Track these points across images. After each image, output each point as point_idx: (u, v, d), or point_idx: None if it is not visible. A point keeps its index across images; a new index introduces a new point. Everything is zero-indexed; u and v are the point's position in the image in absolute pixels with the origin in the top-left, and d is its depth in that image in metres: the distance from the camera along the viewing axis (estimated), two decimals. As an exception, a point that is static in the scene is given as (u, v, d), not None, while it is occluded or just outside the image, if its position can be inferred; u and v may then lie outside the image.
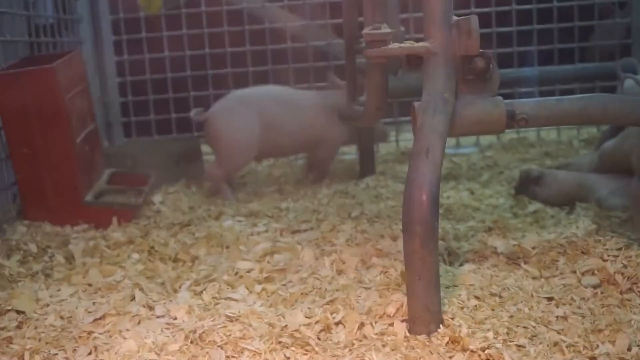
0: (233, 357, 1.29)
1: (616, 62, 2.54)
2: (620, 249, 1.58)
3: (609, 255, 1.56)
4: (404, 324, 1.32)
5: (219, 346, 1.31)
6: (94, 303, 1.56)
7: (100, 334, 1.39)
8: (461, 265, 1.64)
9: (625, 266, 1.50)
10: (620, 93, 2.15)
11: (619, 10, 3.32)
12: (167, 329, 1.40)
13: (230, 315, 1.43)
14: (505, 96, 1.48)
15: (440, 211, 2.15)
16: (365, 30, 1.49)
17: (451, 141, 3.20)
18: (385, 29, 1.48)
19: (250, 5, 3.24)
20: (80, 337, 1.39)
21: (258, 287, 1.60)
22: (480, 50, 1.43)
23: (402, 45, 1.46)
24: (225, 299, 1.55)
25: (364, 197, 2.39)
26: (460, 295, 1.43)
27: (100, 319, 1.46)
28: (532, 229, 1.88)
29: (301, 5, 3.23)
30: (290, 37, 3.24)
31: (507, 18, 3.17)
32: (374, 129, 2.62)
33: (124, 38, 3.19)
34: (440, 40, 1.41)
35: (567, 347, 1.25)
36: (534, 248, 1.69)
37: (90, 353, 1.33)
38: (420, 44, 1.43)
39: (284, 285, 1.61)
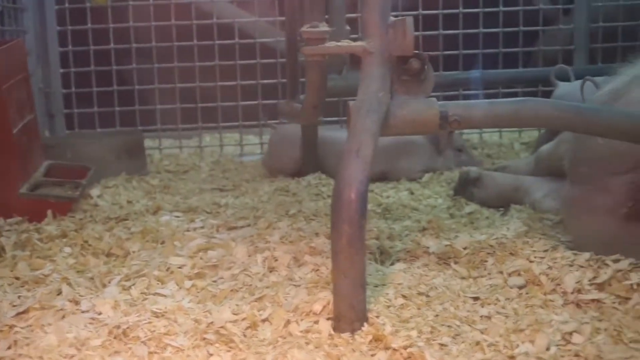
0: (156, 352, 1.27)
1: (551, 69, 2.59)
2: (546, 250, 1.61)
3: (535, 257, 1.59)
4: (329, 322, 1.32)
5: (142, 342, 1.30)
6: (19, 297, 1.53)
7: (21, 328, 1.37)
8: (392, 264, 1.64)
9: (550, 267, 1.53)
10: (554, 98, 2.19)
11: (563, 16, 3.38)
12: (90, 324, 1.38)
13: (157, 311, 1.41)
14: (451, 98, 1.49)
15: (379, 210, 2.17)
16: (303, 28, 1.49)
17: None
18: (323, 27, 1.48)
19: (199, 0, 3.22)
20: (1, 331, 1.36)
21: (188, 283, 1.58)
22: (416, 52, 1.44)
23: (339, 43, 1.46)
24: (154, 294, 1.53)
25: (304, 194, 2.39)
26: (387, 294, 1.44)
27: (23, 313, 1.43)
28: (465, 229, 1.90)
29: (250, 2, 3.22)
30: (239, 33, 3.22)
31: (454, 21, 3.20)
32: None
33: (68, 29, 3.14)
34: (377, 40, 1.41)
35: (488, 346, 1.27)
36: (465, 248, 1.70)
37: (9, 347, 1.30)
38: (357, 43, 1.44)
39: (214, 281, 1.60)
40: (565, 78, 2.34)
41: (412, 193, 2.42)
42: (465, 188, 2.21)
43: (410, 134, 1.50)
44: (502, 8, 3.19)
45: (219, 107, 3.24)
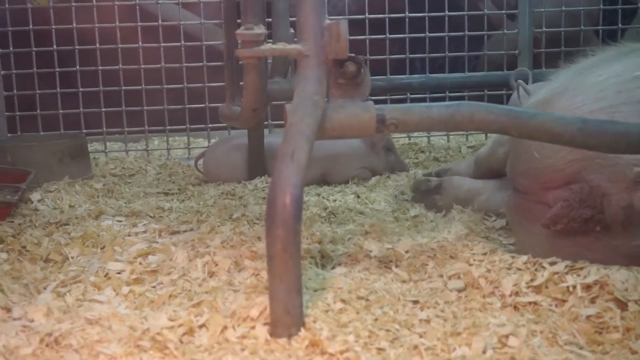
0: (88, 361, 1.25)
1: (511, 71, 2.62)
2: (485, 253, 1.62)
3: (474, 260, 1.60)
4: (266, 327, 1.31)
5: (74, 350, 1.27)
6: (-51, 305, 1.49)
7: (-51, 337, 1.32)
8: (333, 268, 1.64)
9: (489, 270, 1.54)
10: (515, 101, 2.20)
11: (510, 22, 3.42)
12: (22, 331, 1.34)
13: (91, 317, 1.38)
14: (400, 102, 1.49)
15: (324, 214, 2.16)
16: (239, 31, 1.47)
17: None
18: (259, 30, 1.46)
19: (144, 2, 3.18)
20: None
21: (126, 289, 1.56)
22: (352, 55, 1.43)
23: (274, 46, 1.45)
24: (90, 301, 1.50)
25: (250, 198, 2.38)
26: (326, 298, 1.43)
27: (-47, 321, 1.39)
28: (409, 233, 1.90)
29: (196, 3, 3.19)
30: (185, 35, 3.19)
31: (400, 25, 3.22)
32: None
33: (9, 30, 3.08)
34: (312, 43, 1.41)
35: (425, 349, 1.27)
36: (407, 252, 1.71)
37: None
38: (293, 46, 1.43)
39: (153, 287, 1.58)
40: (525, 80, 2.36)
41: (358, 197, 2.42)
42: (426, 195, 2.20)
43: (347, 137, 1.50)
44: (447, 13, 3.21)
45: (165, 111, 3.21)
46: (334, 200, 2.38)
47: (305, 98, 1.39)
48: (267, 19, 2.45)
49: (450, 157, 3.05)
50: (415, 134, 3.42)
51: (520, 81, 2.07)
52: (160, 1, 3.16)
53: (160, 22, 3.14)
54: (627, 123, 1.42)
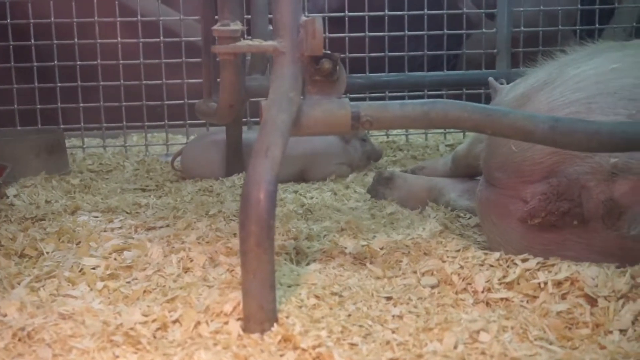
0: (61, 355, 1.25)
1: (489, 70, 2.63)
2: (458, 250, 1.63)
3: (448, 257, 1.61)
4: (239, 322, 1.31)
5: (47, 344, 1.27)
6: None
7: None
8: (308, 264, 1.65)
9: (462, 267, 1.55)
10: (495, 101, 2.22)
11: (489, 21, 3.44)
12: (-6, 326, 1.34)
13: (64, 312, 1.38)
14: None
15: (300, 211, 2.17)
16: (215, 27, 1.48)
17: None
18: (235, 26, 1.47)
19: (123, -3, 3.17)
20: None
21: (100, 284, 1.55)
22: (327, 52, 1.44)
23: (250, 42, 1.45)
24: (64, 295, 1.50)
25: (227, 195, 2.38)
26: (300, 294, 1.44)
27: None
28: (384, 229, 1.91)
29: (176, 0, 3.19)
30: (164, 30, 3.18)
31: (380, 23, 3.23)
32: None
33: (-13, 24, 3.07)
34: (288, 40, 1.41)
35: (397, 345, 1.28)
36: (382, 248, 1.72)
37: None
38: (269, 42, 1.43)
39: (127, 282, 1.58)
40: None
41: (335, 194, 2.43)
42: (377, 188, 2.24)
43: (323, 134, 1.51)
44: (426, 11, 3.23)
45: (143, 107, 3.20)
46: (311, 197, 2.38)
47: (281, 95, 1.40)
48: (246, 16, 2.47)
49: (428, 155, 3.06)
50: (394, 132, 3.43)
51: (491, 78, 2.08)
52: (139, -3, 3.16)
53: (139, 17, 3.13)
54: (598, 122, 1.44)
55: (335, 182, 2.61)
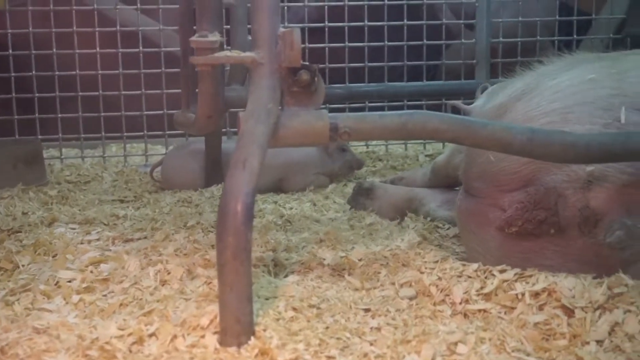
0: (35, 371, 1.23)
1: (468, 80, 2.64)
2: (437, 261, 1.63)
3: (426, 268, 1.61)
4: (216, 336, 1.30)
5: (20, 359, 1.25)
6: None
7: None
8: (286, 276, 1.64)
9: (440, 278, 1.55)
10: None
11: (468, 31, 3.46)
12: (-33, 341, 1.32)
13: (39, 327, 1.36)
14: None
15: (280, 222, 2.16)
16: (193, 38, 1.47)
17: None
18: (213, 37, 1.46)
19: (102, 7, 3.15)
20: None
21: (76, 298, 1.54)
22: (305, 63, 1.44)
23: (228, 54, 1.45)
24: (39, 309, 1.48)
25: (206, 206, 2.37)
26: (278, 306, 1.43)
27: None
28: (363, 241, 1.91)
29: (156, 9, 3.18)
30: (143, 41, 3.17)
31: (360, 33, 3.23)
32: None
33: (-36, 34, 3.04)
34: (266, 51, 1.41)
35: (375, 357, 1.27)
36: (360, 260, 1.71)
37: None
38: (247, 53, 1.43)
39: (104, 295, 1.56)
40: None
41: (314, 204, 2.42)
42: (357, 199, 2.24)
43: (301, 145, 1.50)
44: (406, 22, 3.24)
45: (122, 117, 3.18)
46: (291, 208, 2.38)
47: (259, 106, 1.39)
48: (226, 26, 2.47)
49: (408, 166, 3.07)
50: (373, 142, 3.44)
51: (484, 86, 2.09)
52: (118, 7, 3.14)
53: (118, 27, 3.12)
54: (575, 133, 1.45)
55: (315, 192, 2.60)
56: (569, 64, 1.76)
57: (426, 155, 3.22)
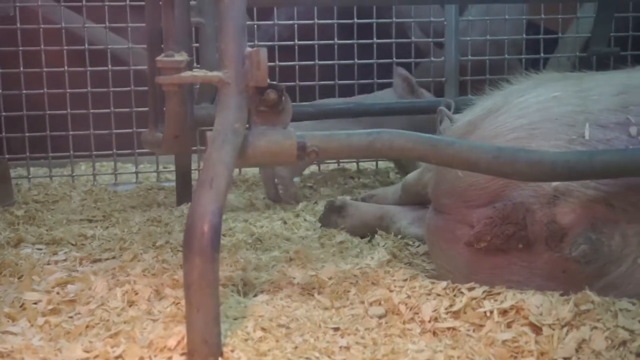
0: (-3, 396, 1.21)
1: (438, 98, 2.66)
2: (406, 279, 1.63)
3: (395, 286, 1.61)
4: (183, 357, 1.29)
5: (-17, 384, 1.23)
6: None
7: None
8: (255, 296, 1.63)
9: (409, 296, 1.55)
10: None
11: (438, 49, 3.49)
12: None
13: (2, 350, 1.34)
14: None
15: (250, 241, 2.15)
16: (159, 58, 1.47)
17: (274, 170, 3.23)
18: (179, 57, 1.46)
19: (71, 26, 3.14)
20: None
21: (41, 320, 1.51)
22: (272, 83, 1.44)
23: (194, 73, 1.44)
24: (3, 332, 1.46)
25: (176, 225, 2.35)
26: (246, 327, 1.42)
27: None
28: (333, 259, 1.90)
29: (124, 28, 3.17)
30: (112, 59, 3.16)
31: (330, 51, 3.25)
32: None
33: None
34: (233, 70, 1.41)
35: (344, 377, 1.27)
36: (330, 278, 1.71)
37: None
38: (214, 73, 1.43)
39: (70, 317, 1.54)
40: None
41: (285, 222, 2.42)
42: (329, 217, 2.24)
43: (269, 164, 1.50)
44: (375, 40, 3.26)
45: (91, 135, 3.16)
46: (261, 227, 2.37)
47: (226, 125, 1.39)
48: (196, 44, 2.47)
49: (379, 183, 3.08)
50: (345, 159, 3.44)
51: (442, 108, 2.11)
52: (87, 25, 3.12)
53: (86, 45, 3.10)
54: (540, 151, 1.46)
55: (286, 210, 2.60)
56: (535, 82, 1.79)
57: (396, 173, 3.23)
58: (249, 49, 1.43)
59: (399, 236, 2.10)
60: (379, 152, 1.48)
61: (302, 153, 1.46)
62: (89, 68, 3.10)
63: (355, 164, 3.36)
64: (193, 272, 1.25)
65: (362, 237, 2.16)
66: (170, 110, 1.70)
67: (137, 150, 3.21)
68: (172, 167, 2.94)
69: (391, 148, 1.47)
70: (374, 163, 3.40)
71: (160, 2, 1.55)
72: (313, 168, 3.33)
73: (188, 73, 1.45)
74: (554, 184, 1.49)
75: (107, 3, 3.12)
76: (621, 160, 1.40)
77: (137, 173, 3.24)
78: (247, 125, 1.45)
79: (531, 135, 1.56)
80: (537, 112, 1.60)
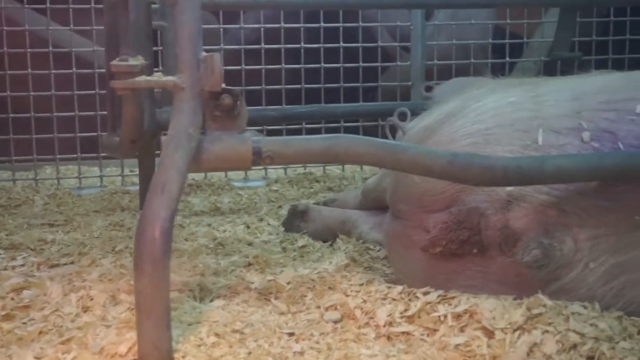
0: (-57, 404, 1.19)
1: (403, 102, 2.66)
2: (362, 284, 1.64)
3: (352, 291, 1.61)
4: (134, 363, 1.28)
5: None
6: None
7: None
8: (211, 301, 1.62)
9: (365, 301, 1.55)
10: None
11: (406, 54, 3.50)
12: None
13: (-49, 357, 1.33)
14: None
15: (212, 245, 2.14)
16: (113, 62, 1.46)
17: (240, 174, 3.23)
18: (134, 61, 1.45)
19: (35, 28, 3.11)
20: None
21: (-7, 326, 1.50)
22: (227, 88, 1.44)
23: (148, 78, 1.44)
24: (-46, 339, 1.44)
25: (138, 229, 2.33)
26: (200, 332, 1.42)
27: None
28: (293, 264, 1.90)
29: (89, 30, 3.14)
30: (77, 61, 3.13)
31: (297, 56, 3.25)
32: None
33: None
34: (188, 75, 1.40)
35: (295, 382, 1.27)
36: (288, 283, 1.71)
37: None
38: (168, 78, 1.42)
39: (23, 323, 1.52)
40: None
41: (248, 227, 2.41)
42: (292, 222, 2.24)
43: (225, 170, 1.50)
44: (342, 44, 3.27)
45: (55, 139, 3.13)
46: (224, 231, 2.36)
47: (180, 130, 1.38)
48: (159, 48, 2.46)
49: (345, 187, 3.08)
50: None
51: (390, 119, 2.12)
52: (51, 27, 3.10)
53: (50, 48, 3.08)
54: (493, 157, 1.47)
55: (250, 214, 2.59)
56: (493, 88, 1.80)
57: (363, 177, 3.24)
58: (204, 54, 1.42)
59: (361, 241, 2.11)
60: (337, 157, 1.48)
61: (258, 158, 1.46)
62: (53, 71, 3.07)
63: (321, 167, 3.36)
64: (143, 278, 1.24)
65: (324, 242, 2.16)
66: (126, 115, 1.69)
67: (103, 154, 3.19)
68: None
69: (348, 153, 1.47)
70: (341, 167, 3.40)
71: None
72: (280, 172, 3.33)
73: (142, 77, 1.44)
74: (508, 188, 1.51)
75: (71, 5, 3.09)
76: (572, 166, 1.42)
77: (102, 177, 3.22)
78: (203, 130, 1.45)
79: (486, 141, 1.58)
80: (493, 117, 1.62)
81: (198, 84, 1.41)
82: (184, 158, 1.34)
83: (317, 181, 3.16)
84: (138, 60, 1.48)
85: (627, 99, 1.57)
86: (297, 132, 3.26)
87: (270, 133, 3.30)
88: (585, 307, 1.45)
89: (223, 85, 1.42)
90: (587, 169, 1.43)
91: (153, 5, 2.18)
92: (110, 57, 1.86)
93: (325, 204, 2.40)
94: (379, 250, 2.03)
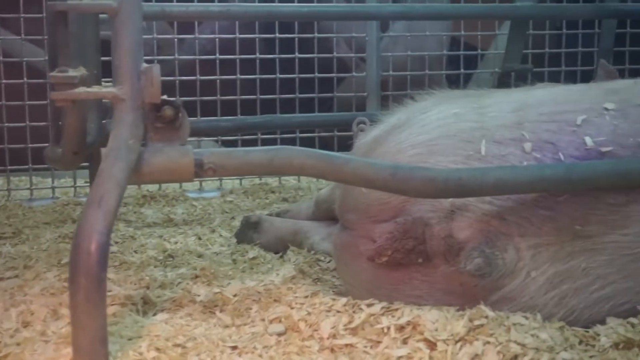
0: None
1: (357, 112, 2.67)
2: (307, 296, 1.63)
3: (296, 303, 1.60)
4: (71, 379, 1.26)
5: None
6: None
7: None
8: (155, 314, 1.60)
9: (309, 313, 1.54)
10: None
11: (363, 64, 3.52)
12: None
13: None
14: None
15: (161, 257, 2.12)
16: (52, 73, 1.44)
17: (195, 185, 3.21)
18: (73, 72, 1.43)
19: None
20: None
21: None
22: (169, 99, 1.42)
23: (88, 89, 1.42)
24: None
25: (87, 242, 2.30)
26: (140, 347, 1.40)
27: None
28: (241, 276, 1.89)
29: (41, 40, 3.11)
30: (28, 70, 3.10)
31: (252, 66, 3.25)
32: None
33: None
34: (128, 86, 1.39)
35: (236, 397, 1.26)
36: (235, 296, 1.70)
37: None
38: (108, 89, 1.41)
39: (-40, 340, 1.49)
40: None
41: (199, 238, 2.39)
42: (245, 233, 2.23)
43: (166, 182, 1.48)
44: (297, 55, 3.27)
45: (5, 149, 3.09)
46: (175, 242, 2.34)
47: (120, 142, 1.37)
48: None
49: (300, 198, 3.07)
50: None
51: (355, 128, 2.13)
52: (1, 37, 3.06)
53: (1, 57, 3.04)
54: (434, 169, 1.48)
55: (202, 225, 2.57)
56: (439, 99, 1.81)
57: (319, 188, 3.23)
58: (144, 65, 1.41)
59: (312, 252, 2.10)
60: (279, 170, 1.48)
61: (200, 170, 1.45)
62: (4, 81, 3.03)
63: (277, 178, 3.36)
64: (79, 293, 1.22)
65: (276, 253, 2.15)
66: (68, 127, 1.67)
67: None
68: (90, 182, 2.89)
69: (291, 165, 1.47)
70: (297, 178, 3.40)
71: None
72: (235, 182, 3.32)
73: (82, 89, 1.43)
74: (451, 199, 1.51)
75: (22, 15, 3.05)
76: (512, 178, 1.43)
77: (54, 188, 3.17)
78: (144, 142, 1.43)
79: (431, 152, 1.59)
80: (437, 128, 1.63)
81: (139, 96, 1.40)
82: (123, 170, 1.33)
83: (273, 192, 3.15)
84: (79, 71, 1.46)
85: (568, 110, 1.59)
86: (253, 142, 3.26)
87: (225, 144, 3.29)
88: (526, 318, 1.46)
89: (164, 97, 1.41)
90: (528, 181, 1.44)
91: (101, 16, 2.16)
92: (53, 69, 1.84)
93: (278, 214, 2.39)
94: (329, 262, 2.03)
